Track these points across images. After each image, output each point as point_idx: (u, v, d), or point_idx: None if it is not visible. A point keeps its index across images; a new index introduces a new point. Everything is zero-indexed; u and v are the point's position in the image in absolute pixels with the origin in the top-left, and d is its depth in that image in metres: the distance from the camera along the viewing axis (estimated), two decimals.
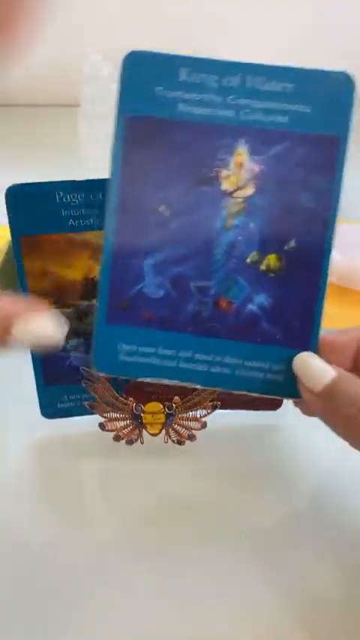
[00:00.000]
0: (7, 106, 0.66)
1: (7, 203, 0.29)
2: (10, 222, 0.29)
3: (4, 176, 0.31)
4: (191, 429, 0.32)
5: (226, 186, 0.27)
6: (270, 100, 0.26)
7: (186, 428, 0.32)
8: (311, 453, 0.33)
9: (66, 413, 0.33)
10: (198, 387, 0.28)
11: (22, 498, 0.31)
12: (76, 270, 0.31)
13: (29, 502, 0.31)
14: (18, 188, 0.28)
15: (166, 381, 0.28)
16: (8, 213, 0.29)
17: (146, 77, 0.26)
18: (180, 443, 0.32)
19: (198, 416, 0.32)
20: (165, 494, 0.31)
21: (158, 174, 0.27)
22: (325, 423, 0.26)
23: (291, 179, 0.27)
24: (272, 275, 0.27)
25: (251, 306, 0.27)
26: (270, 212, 0.27)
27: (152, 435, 0.32)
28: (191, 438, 0.32)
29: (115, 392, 0.32)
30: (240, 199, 0.27)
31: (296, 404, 0.28)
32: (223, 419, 0.33)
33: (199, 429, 0.32)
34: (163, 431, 0.32)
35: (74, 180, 0.29)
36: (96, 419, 0.32)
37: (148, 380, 0.28)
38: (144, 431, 0.32)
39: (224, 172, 0.27)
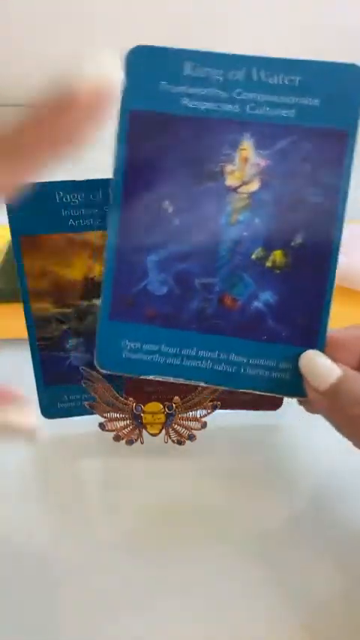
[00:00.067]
0: (7, 106, 0.66)
1: (7, 203, 0.29)
2: (10, 222, 0.29)
3: None
4: (191, 429, 0.32)
5: (230, 181, 0.27)
6: (276, 93, 0.26)
7: (186, 428, 0.32)
8: (311, 453, 0.33)
9: (66, 413, 0.33)
10: (202, 384, 0.28)
11: (23, 498, 0.31)
12: (76, 270, 0.31)
13: (29, 502, 0.31)
14: None
15: (170, 379, 0.28)
16: (8, 213, 0.29)
17: (150, 72, 0.26)
18: (180, 443, 0.32)
19: (198, 416, 0.32)
20: (165, 494, 0.31)
21: (162, 169, 0.27)
22: (329, 421, 0.26)
23: (298, 174, 0.26)
24: (278, 271, 0.27)
25: (257, 303, 0.27)
26: (276, 208, 0.27)
27: (152, 435, 0.32)
28: (191, 438, 0.32)
29: (115, 392, 0.32)
30: (245, 195, 0.27)
31: (300, 402, 0.28)
32: (223, 419, 0.33)
33: (199, 429, 0.32)
34: (163, 431, 0.32)
35: (74, 180, 0.29)
36: (96, 419, 0.32)
37: (152, 377, 0.28)
38: (144, 431, 0.32)
39: (229, 167, 0.26)
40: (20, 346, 0.33)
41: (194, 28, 0.56)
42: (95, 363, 0.28)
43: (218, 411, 0.32)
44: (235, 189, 0.27)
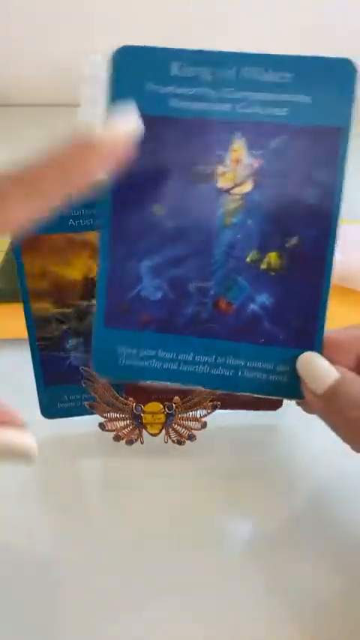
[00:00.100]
0: (7, 106, 0.66)
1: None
2: None
3: None
4: (191, 429, 0.32)
5: (222, 183, 0.26)
6: (267, 91, 0.25)
7: (186, 428, 0.32)
8: (311, 453, 0.33)
9: (66, 413, 0.33)
10: (200, 389, 0.28)
11: (23, 498, 0.31)
12: (76, 270, 0.31)
13: (29, 502, 0.31)
14: None
15: (168, 384, 0.28)
16: None
17: (137, 73, 0.25)
18: (180, 443, 0.32)
19: (198, 416, 0.32)
20: (165, 494, 0.31)
21: (152, 173, 0.26)
22: (326, 424, 0.26)
23: (291, 174, 0.26)
24: (273, 274, 0.26)
25: (253, 306, 0.27)
26: (270, 209, 0.26)
27: (152, 435, 0.32)
28: (191, 438, 0.32)
29: (115, 392, 0.32)
30: (238, 196, 0.26)
31: (298, 403, 0.28)
32: (223, 419, 0.33)
33: (199, 429, 0.32)
34: (163, 431, 0.32)
35: None
36: (96, 419, 0.32)
37: (149, 383, 0.28)
38: (144, 431, 0.32)
39: (221, 169, 0.26)
40: (20, 346, 0.33)
41: (194, 28, 0.56)
42: (92, 370, 0.28)
43: (218, 411, 0.32)
44: (227, 191, 0.26)
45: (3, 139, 0.60)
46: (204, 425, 0.32)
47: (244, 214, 0.26)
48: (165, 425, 0.32)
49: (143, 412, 0.32)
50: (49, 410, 0.33)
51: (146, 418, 0.32)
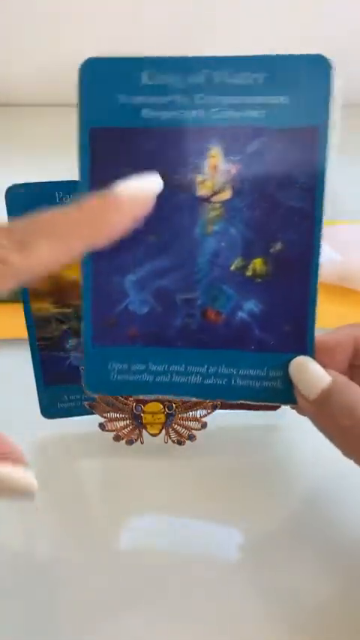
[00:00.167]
0: (7, 106, 0.66)
1: (6, 203, 0.29)
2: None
3: (4, 176, 0.31)
4: (191, 429, 0.32)
5: (202, 191, 0.25)
6: (241, 94, 0.25)
7: (186, 428, 0.32)
8: (311, 453, 0.33)
9: (66, 413, 0.33)
10: (193, 400, 0.28)
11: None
12: (76, 270, 0.31)
13: (29, 502, 0.31)
14: (18, 188, 0.28)
15: (161, 397, 0.28)
16: (8, 214, 0.29)
17: (107, 85, 0.25)
18: (180, 443, 0.32)
19: (198, 416, 0.32)
20: (165, 495, 0.31)
21: None
22: (318, 429, 0.25)
23: (271, 178, 0.25)
24: (259, 280, 0.26)
25: (241, 314, 0.26)
26: (251, 215, 0.26)
27: (152, 435, 0.32)
28: (191, 438, 0.32)
29: None
30: (218, 204, 0.26)
31: (292, 406, 0.28)
32: (223, 419, 0.33)
33: (199, 429, 0.32)
34: (163, 431, 0.32)
35: (74, 180, 0.29)
36: (96, 419, 0.32)
37: (142, 397, 0.27)
38: (144, 431, 0.32)
39: (199, 177, 0.25)
40: (20, 346, 0.33)
41: (194, 28, 0.56)
42: (84, 387, 0.27)
43: (218, 411, 0.32)
44: (207, 199, 0.26)
45: (3, 139, 0.60)
46: (204, 425, 0.32)
47: (226, 222, 0.26)
48: (165, 425, 0.32)
49: (143, 412, 0.32)
50: (49, 410, 0.33)
51: (146, 418, 0.32)
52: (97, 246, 0.20)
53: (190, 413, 0.32)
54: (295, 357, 0.26)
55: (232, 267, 0.26)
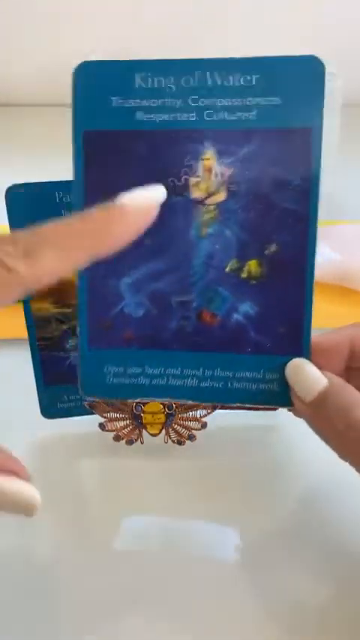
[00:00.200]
0: (7, 105, 0.66)
1: (7, 203, 0.29)
2: (9, 223, 0.29)
3: (4, 176, 0.31)
4: (191, 429, 0.32)
5: (196, 194, 0.25)
6: (233, 96, 0.25)
7: (186, 428, 0.32)
8: (311, 452, 0.33)
9: (66, 413, 0.33)
10: (190, 403, 0.28)
11: None
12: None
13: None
14: (18, 188, 0.28)
15: (157, 400, 0.27)
16: (8, 214, 0.29)
17: (100, 88, 0.25)
18: (180, 443, 0.32)
19: (198, 416, 0.32)
20: (165, 495, 0.31)
21: (124, 188, 0.25)
22: (314, 431, 0.25)
23: (264, 179, 0.25)
24: (254, 282, 0.26)
25: (237, 316, 0.26)
26: (245, 216, 0.26)
27: (152, 435, 0.32)
28: (191, 438, 0.32)
29: None
30: (212, 206, 0.26)
31: (289, 408, 0.28)
32: (223, 419, 0.33)
33: (199, 429, 0.32)
34: (163, 431, 0.32)
35: None
36: (96, 419, 0.32)
37: (139, 400, 0.27)
38: (144, 431, 0.32)
39: (193, 180, 0.25)
40: (20, 346, 0.33)
41: (195, 29, 0.56)
42: (80, 390, 0.27)
43: (218, 411, 0.32)
44: (201, 202, 0.26)
45: (3, 139, 0.60)
46: (204, 425, 0.32)
47: (220, 224, 0.26)
48: (165, 425, 0.32)
49: (143, 412, 0.32)
50: (49, 410, 0.33)
51: (146, 418, 0.32)
52: (101, 257, 0.20)
53: (190, 413, 0.32)
54: (292, 359, 0.26)
55: (227, 269, 0.26)
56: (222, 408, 0.32)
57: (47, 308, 0.31)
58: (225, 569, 0.28)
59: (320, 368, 0.25)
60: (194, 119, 0.25)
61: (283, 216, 0.25)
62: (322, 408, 0.24)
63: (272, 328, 0.26)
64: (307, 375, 0.25)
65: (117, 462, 0.33)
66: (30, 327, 0.31)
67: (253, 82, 0.24)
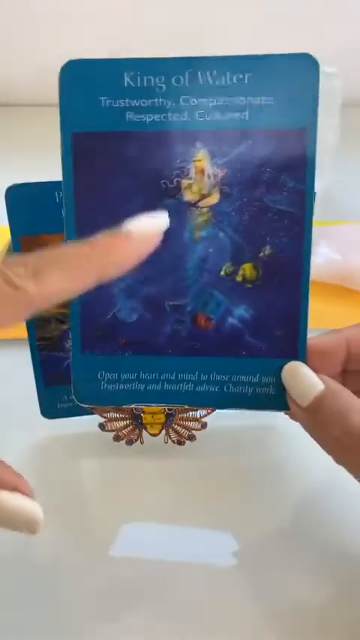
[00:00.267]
0: (7, 105, 0.66)
1: (7, 203, 0.29)
2: (9, 222, 0.29)
3: (4, 176, 0.31)
4: (191, 429, 0.32)
5: (189, 196, 0.25)
6: (226, 95, 0.24)
7: (186, 428, 0.32)
8: (311, 453, 0.33)
9: (66, 413, 0.33)
10: (185, 407, 0.27)
11: None
12: None
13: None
14: (18, 188, 0.28)
15: (153, 406, 0.27)
16: (8, 213, 0.29)
17: (88, 88, 0.24)
18: (180, 443, 0.32)
19: (198, 416, 0.32)
20: (165, 495, 0.31)
21: (115, 192, 0.25)
22: (309, 435, 0.25)
23: (258, 181, 0.25)
24: (249, 285, 0.26)
25: (231, 320, 0.26)
26: (239, 219, 0.25)
27: (152, 435, 0.32)
28: (191, 438, 0.32)
29: None
30: (205, 209, 0.25)
31: (285, 412, 0.28)
32: (223, 419, 0.33)
33: (199, 429, 0.32)
34: (163, 431, 0.32)
35: None
36: (96, 419, 0.32)
37: (134, 406, 0.27)
38: (144, 431, 0.32)
39: (185, 182, 0.25)
40: (20, 346, 0.33)
41: (195, 29, 0.56)
42: (73, 397, 0.27)
43: (218, 411, 0.32)
44: (194, 204, 0.25)
45: (3, 139, 0.60)
46: (204, 425, 0.32)
47: (214, 227, 0.25)
48: (165, 425, 0.32)
49: (143, 412, 0.32)
50: (49, 410, 0.33)
51: (146, 418, 0.32)
52: (106, 279, 0.21)
53: (190, 413, 0.32)
54: (287, 362, 0.26)
55: (222, 273, 0.26)
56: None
57: (47, 308, 0.31)
58: (225, 569, 0.28)
59: (316, 371, 0.25)
60: (185, 119, 0.24)
61: (278, 218, 0.25)
62: (318, 413, 0.24)
63: (268, 331, 0.26)
64: (303, 379, 0.25)
65: (117, 462, 0.33)
66: (30, 327, 0.31)
67: (246, 81, 0.24)
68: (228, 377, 0.26)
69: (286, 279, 0.26)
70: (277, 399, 0.26)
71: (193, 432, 0.32)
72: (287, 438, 0.34)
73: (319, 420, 0.24)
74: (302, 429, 0.26)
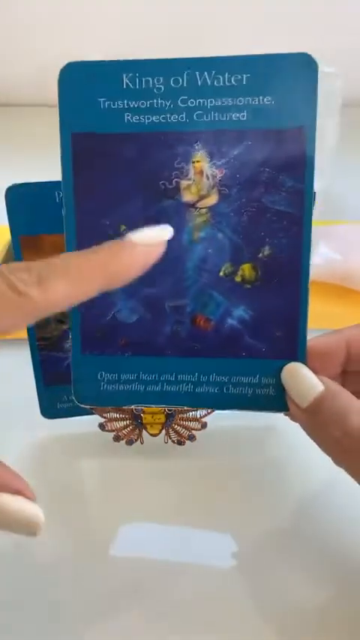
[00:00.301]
0: (7, 106, 0.66)
1: (7, 203, 0.29)
2: (9, 222, 0.29)
3: (4, 176, 0.31)
4: (191, 429, 0.32)
5: (187, 197, 0.25)
6: (224, 95, 0.24)
7: (186, 428, 0.32)
8: (311, 453, 0.33)
9: (66, 413, 0.33)
10: (185, 408, 0.27)
11: None
12: None
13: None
14: (18, 188, 0.28)
15: (152, 407, 0.27)
16: (8, 213, 0.29)
17: (87, 89, 0.24)
18: (180, 443, 0.32)
19: (198, 416, 0.32)
20: (165, 495, 0.31)
21: (114, 193, 0.25)
22: (309, 436, 0.25)
23: (257, 181, 0.25)
24: (249, 286, 0.26)
25: (231, 321, 0.26)
26: (238, 219, 0.25)
27: (152, 435, 0.32)
28: (191, 438, 0.32)
29: None
30: (204, 210, 0.25)
31: (285, 413, 0.28)
32: (223, 419, 0.33)
33: (199, 429, 0.32)
34: (163, 431, 0.32)
35: None
36: (96, 419, 0.32)
37: (134, 407, 0.27)
38: (144, 431, 0.32)
39: (184, 183, 0.25)
40: (20, 346, 0.33)
41: (195, 28, 0.56)
42: (73, 398, 0.27)
43: (218, 412, 0.32)
44: (193, 205, 0.25)
45: (3, 139, 0.60)
46: (204, 425, 0.32)
47: (212, 228, 0.25)
48: (165, 425, 0.32)
49: (143, 412, 0.32)
50: (49, 410, 0.33)
51: (146, 418, 0.32)
52: (110, 288, 0.21)
53: (190, 413, 0.32)
54: (287, 363, 0.26)
55: (221, 273, 0.26)
56: None
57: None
58: (224, 568, 0.28)
59: (316, 372, 0.25)
60: (184, 120, 0.24)
61: (277, 219, 0.25)
62: (317, 414, 0.24)
63: (267, 332, 0.26)
64: (303, 380, 0.25)
65: (117, 462, 0.33)
66: (30, 327, 0.31)
67: (244, 82, 0.24)
68: (228, 378, 0.26)
69: (286, 280, 0.26)
70: (277, 400, 0.26)
71: (193, 432, 0.32)
72: (287, 439, 0.34)
73: (318, 421, 0.24)
74: (302, 430, 0.26)
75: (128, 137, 0.25)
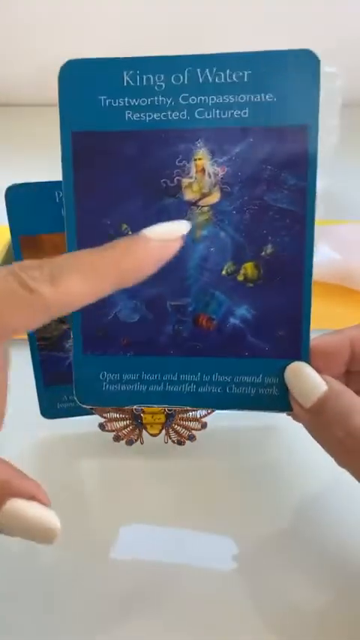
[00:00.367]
0: (7, 106, 0.66)
1: (6, 203, 0.29)
2: (9, 222, 0.29)
3: (4, 176, 0.31)
4: (191, 429, 0.32)
5: (189, 195, 0.25)
6: (226, 93, 0.24)
7: (186, 428, 0.32)
8: (311, 453, 0.33)
9: (66, 413, 0.33)
10: (188, 408, 0.27)
11: None
12: None
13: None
14: (18, 188, 0.28)
15: (154, 406, 0.27)
16: (8, 213, 0.29)
17: (88, 87, 0.24)
18: (180, 443, 0.32)
19: (198, 416, 0.32)
20: (165, 495, 0.31)
21: (115, 191, 0.25)
22: (312, 436, 0.25)
23: (259, 179, 0.24)
24: (251, 285, 0.25)
25: (233, 320, 0.26)
26: (240, 218, 0.25)
27: (152, 435, 0.32)
28: (191, 438, 0.32)
29: None
30: (206, 208, 0.25)
31: (288, 412, 0.28)
32: (223, 419, 0.33)
33: (199, 429, 0.32)
34: (163, 431, 0.32)
35: None
36: (96, 419, 0.32)
37: (136, 407, 0.27)
38: (144, 431, 0.32)
39: (186, 181, 0.25)
40: (20, 346, 0.33)
41: (195, 28, 0.56)
42: (75, 398, 0.27)
43: (218, 411, 0.32)
44: (195, 204, 0.25)
45: (3, 139, 0.60)
46: (204, 425, 0.32)
47: (214, 226, 0.25)
48: (165, 425, 0.32)
49: (143, 412, 0.32)
50: (49, 410, 0.33)
51: (146, 418, 0.32)
52: (124, 286, 0.21)
53: (190, 413, 0.32)
54: (290, 362, 0.26)
55: (223, 272, 0.26)
56: None
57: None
58: (224, 569, 0.28)
59: (319, 371, 0.25)
60: (185, 118, 0.24)
61: (279, 217, 0.25)
62: (321, 414, 0.24)
63: (270, 331, 0.26)
64: (307, 380, 0.25)
65: (117, 462, 0.33)
66: None
67: (245, 79, 0.24)
68: (230, 378, 0.26)
69: (288, 278, 0.25)
70: (280, 399, 0.26)
71: (193, 432, 0.32)
72: (288, 439, 0.34)
73: (322, 421, 0.24)
74: (302, 430, 0.26)
75: (129, 135, 0.24)
